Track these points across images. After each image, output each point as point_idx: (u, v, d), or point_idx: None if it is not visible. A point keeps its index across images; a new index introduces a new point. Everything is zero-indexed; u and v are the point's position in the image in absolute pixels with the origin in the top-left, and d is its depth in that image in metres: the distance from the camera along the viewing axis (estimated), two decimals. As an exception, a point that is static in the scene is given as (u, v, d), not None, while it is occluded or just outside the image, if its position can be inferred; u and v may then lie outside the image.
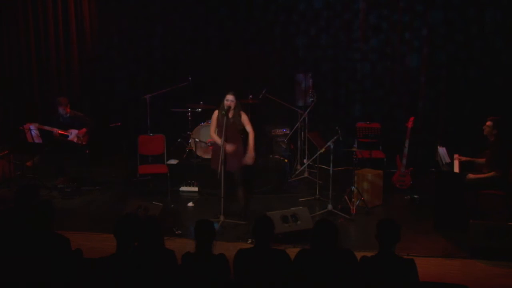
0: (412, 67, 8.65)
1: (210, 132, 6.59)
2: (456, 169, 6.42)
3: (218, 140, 6.30)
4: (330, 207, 6.69)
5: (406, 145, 7.51)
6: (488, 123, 6.32)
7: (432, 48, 8.51)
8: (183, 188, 7.73)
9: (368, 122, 8.64)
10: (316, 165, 7.69)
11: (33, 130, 7.51)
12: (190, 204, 7.21)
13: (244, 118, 6.42)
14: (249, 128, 6.43)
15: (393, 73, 8.78)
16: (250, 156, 6.34)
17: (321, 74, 8.97)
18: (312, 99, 8.32)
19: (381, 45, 8.76)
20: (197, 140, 7.74)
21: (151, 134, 7.98)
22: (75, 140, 7.72)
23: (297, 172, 8.37)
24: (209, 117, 8.04)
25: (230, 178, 6.50)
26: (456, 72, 8.45)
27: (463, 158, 6.60)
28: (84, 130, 7.77)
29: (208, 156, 7.88)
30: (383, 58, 8.78)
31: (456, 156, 6.64)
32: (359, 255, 3.93)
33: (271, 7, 9.05)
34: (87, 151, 7.80)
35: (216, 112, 6.48)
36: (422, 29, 8.51)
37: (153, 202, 6.32)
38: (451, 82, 8.49)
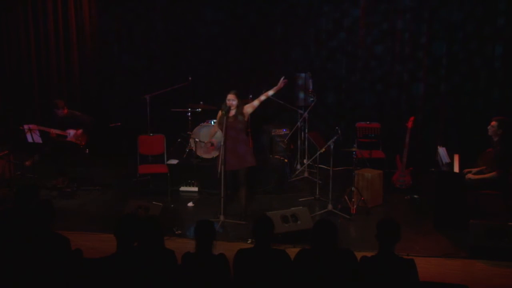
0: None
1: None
2: (456, 169, 6.42)
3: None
4: (330, 207, 6.69)
5: (406, 145, 7.51)
6: (493, 123, 6.27)
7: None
8: (183, 188, 7.74)
9: (368, 122, 8.63)
10: (316, 165, 7.69)
11: (33, 130, 7.50)
12: (190, 204, 7.21)
13: (247, 110, 6.40)
14: (256, 102, 6.47)
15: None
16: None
17: (321, 74, 8.96)
18: (312, 99, 8.32)
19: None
20: (197, 140, 7.74)
21: (151, 134, 7.98)
22: (73, 140, 7.72)
23: (297, 172, 8.37)
24: (209, 117, 8.12)
25: (233, 177, 6.51)
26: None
27: (474, 171, 6.43)
28: (80, 131, 7.75)
29: (208, 156, 7.88)
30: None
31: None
32: (359, 255, 3.93)
33: (271, 9, 9.04)
34: (87, 151, 7.79)
35: (219, 113, 6.46)
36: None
37: (153, 202, 6.31)
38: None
